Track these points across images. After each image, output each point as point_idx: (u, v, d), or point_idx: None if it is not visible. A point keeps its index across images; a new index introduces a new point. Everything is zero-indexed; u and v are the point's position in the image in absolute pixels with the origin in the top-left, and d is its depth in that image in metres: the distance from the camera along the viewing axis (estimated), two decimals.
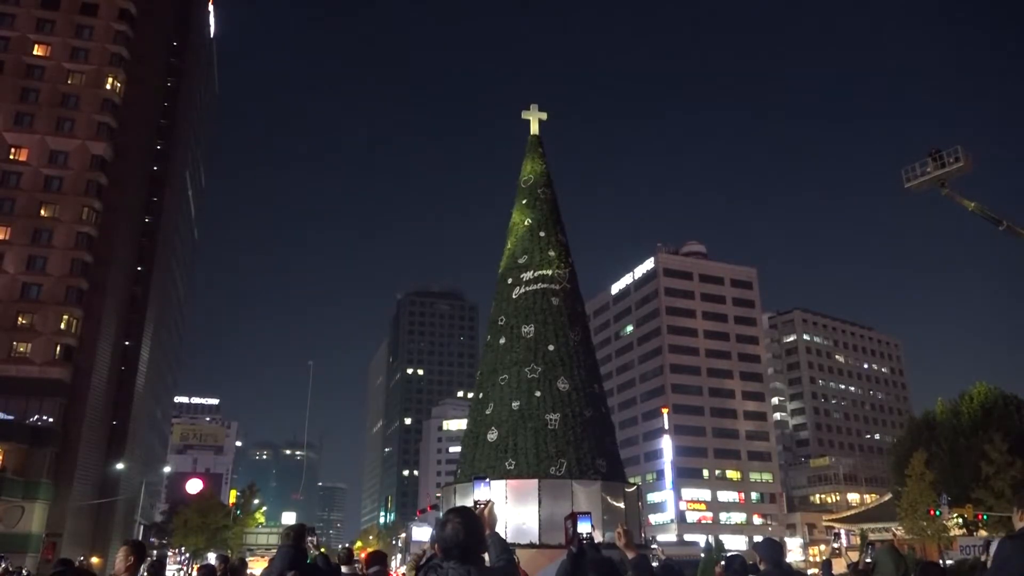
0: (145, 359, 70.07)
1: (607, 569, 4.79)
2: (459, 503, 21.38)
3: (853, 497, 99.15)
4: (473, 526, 3.31)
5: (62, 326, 56.68)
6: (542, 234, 25.23)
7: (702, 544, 71.85)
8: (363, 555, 11.77)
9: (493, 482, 21.02)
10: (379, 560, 8.80)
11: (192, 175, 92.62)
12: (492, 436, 22.33)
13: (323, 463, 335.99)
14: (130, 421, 66.20)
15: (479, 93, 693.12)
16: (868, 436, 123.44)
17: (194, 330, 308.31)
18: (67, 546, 51.08)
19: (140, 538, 56.25)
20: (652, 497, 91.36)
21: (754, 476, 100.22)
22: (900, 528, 51.09)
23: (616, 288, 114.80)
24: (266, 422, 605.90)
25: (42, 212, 59.53)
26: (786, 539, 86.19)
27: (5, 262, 57.29)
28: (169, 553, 61.68)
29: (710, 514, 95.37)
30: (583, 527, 4.71)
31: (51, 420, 54.37)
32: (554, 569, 4.93)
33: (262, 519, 78.84)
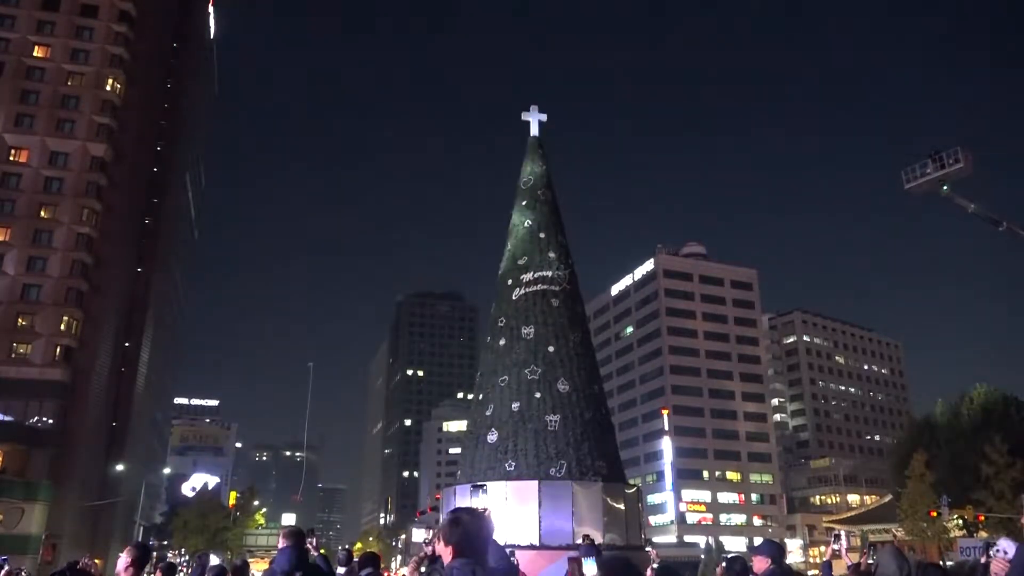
0: (145, 360, 70.08)
1: (624, 569, 4.79)
2: (459, 505, 21.38)
3: (853, 498, 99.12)
4: (480, 526, 3.33)
5: (62, 327, 56.69)
6: (542, 235, 25.23)
7: (702, 546, 71.93)
8: None
9: (493, 483, 21.02)
10: (371, 562, 8.76)
11: (192, 176, 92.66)
12: (492, 438, 22.31)
13: (323, 464, 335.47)
14: (130, 422, 66.21)
15: (479, 94, 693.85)
16: (868, 437, 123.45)
17: (194, 331, 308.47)
18: (67, 548, 51.04)
19: (140, 539, 56.20)
20: (652, 498, 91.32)
21: (754, 477, 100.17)
22: (900, 529, 51.12)
23: (616, 289, 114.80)
24: (266, 423, 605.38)
25: (42, 213, 59.58)
26: (786, 540, 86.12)
27: (5, 263, 57.30)
28: (169, 555, 61.67)
29: (710, 515, 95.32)
30: (588, 569, 4.66)
31: (51, 421, 54.37)
32: (555, 570, 4.93)
33: (262, 520, 78.86)
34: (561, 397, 22.29)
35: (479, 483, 20.34)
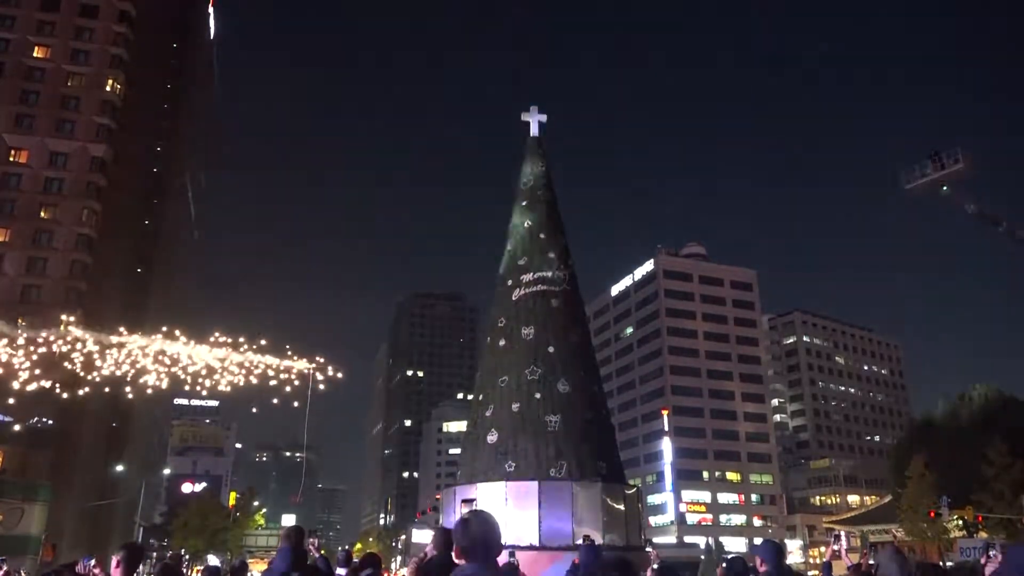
0: None
1: (625, 569, 4.78)
2: (458, 506, 21.37)
3: (853, 499, 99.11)
4: (492, 528, 3.26)
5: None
6: (542, 236, 25.23)
7: (702, 546, 71.81)
8: None
9: (493, 484, 21.03)
10: (372, 563, 8.72)
11: (192, 177, 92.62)
12: (492, 438, 22.31)
13: (323, 465, 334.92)
14: (130, 423, 66.17)
15: (480, 93, 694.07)
16: (868, 438, 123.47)
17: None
18: (67, 548, 50.96)
19: (139, 540, 56.19)
20: (652, 499, 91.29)
21: (754, 478, 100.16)
22: (900, 530, 51.11)
23: (616, 290, 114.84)
24: (266, 424, 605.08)
25: (42, 214, 59.59)
26: (786, 541, 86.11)
27: (5, 264, 57.30)
28: (169, 555, 61.54)
29: (710, 516, 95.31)
30: None
31: (50, 422, 54.31)
32: (555, 570, 4.92)
33: (262, 521, 78.79)
34: (561, 397, 22.28)
35: (469, 498, 20.43)
